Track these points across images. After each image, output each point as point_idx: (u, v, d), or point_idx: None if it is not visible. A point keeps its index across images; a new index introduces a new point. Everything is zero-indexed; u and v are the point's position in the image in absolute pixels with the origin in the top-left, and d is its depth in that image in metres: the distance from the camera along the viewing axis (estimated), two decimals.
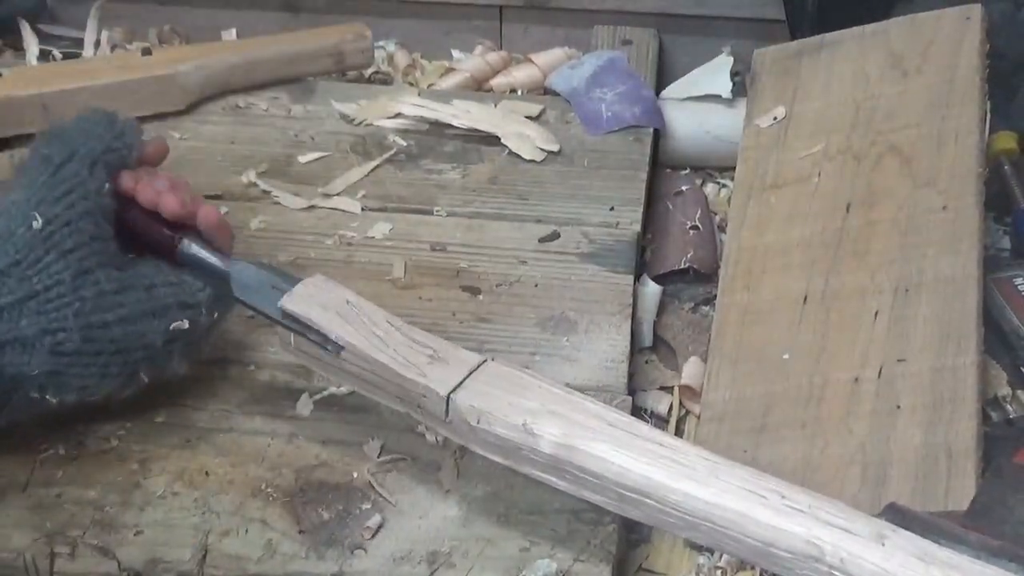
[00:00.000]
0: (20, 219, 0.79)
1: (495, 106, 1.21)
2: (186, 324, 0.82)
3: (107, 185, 0.82)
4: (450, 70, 1.33)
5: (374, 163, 1.14)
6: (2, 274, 0.78)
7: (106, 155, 0.83)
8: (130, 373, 0.82)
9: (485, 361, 0.78)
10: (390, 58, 1.37)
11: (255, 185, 1.11)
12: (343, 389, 0.88)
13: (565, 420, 0.73)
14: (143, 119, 1.17)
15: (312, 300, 0.80)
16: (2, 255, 0.78)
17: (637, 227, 1.08)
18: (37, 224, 0.79)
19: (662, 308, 1.06)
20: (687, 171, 1.23)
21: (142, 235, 0.85)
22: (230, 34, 1.38)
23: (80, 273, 0.79)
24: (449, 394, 0.76)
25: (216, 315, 0.85)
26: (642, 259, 1.11)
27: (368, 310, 0.80)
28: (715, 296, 1.04)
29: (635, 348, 1.01)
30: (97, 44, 1.34)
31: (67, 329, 0.78)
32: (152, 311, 0.81)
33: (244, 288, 0.83)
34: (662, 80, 1.30)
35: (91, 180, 0.81)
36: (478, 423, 0.74)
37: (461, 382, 0.76)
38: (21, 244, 0.78)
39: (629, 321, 0.98)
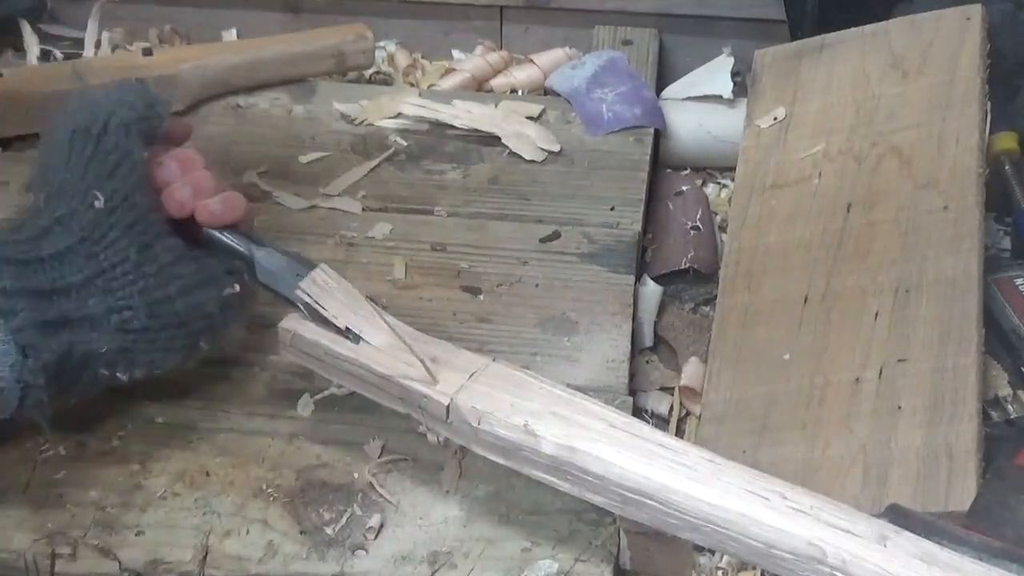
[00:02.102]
0: (80, 197, 0.78)
1: (495, 106, 1.21)
2: (237, 288, 0.83)
3: (144, 154, 0.81)
4: (450, 70, 1.33)
5: (374, 163, 1.14)
6: (71, 252, 0.77)
7: (139, 124, 0.81)
8: (192, 344, 0.82)
9: (487, 363, 0.78)
10: (390, 58, 1.37)
11: (256, 185, 1.11)
12: (344, 389, 0.88)
13: (566, 421, 0.73)
14: None
15: (326, 291, 0.81)
16: (67, 234, 0.78)
17: (638, 227, 1.08)
18: (99, 203, 0.78)
19: (663, 308, 1.07)
20: (687, 171, 1.23)
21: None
22: (230, 34, 1.38)
23: (143, 248, 0.79)
24: (451, 396, 0.76)
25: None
26: (643, 259, 1.11)
27: (373, 310, 0.81)
28: (716, 296, 1.04)
29: (636, 348, 1.01)
30: (97, 44, 1.34)
31: (133, 307, 0.78)
32: (205, 280, 0.82)
33: (268, 274, 0.83)
34: (662, 80, 1.30)
35: (134, 150, 0.80)
36: (479, 424, 0.74)
37: (463, 385, 0.76)
38: (85, 222, 0.78)
39: (630, 321, 0.98)
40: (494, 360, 0.79)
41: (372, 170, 1.13)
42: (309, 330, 0.80)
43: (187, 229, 0.83)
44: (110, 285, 0.78)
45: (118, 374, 0.80)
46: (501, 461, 0.75)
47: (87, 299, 0.78)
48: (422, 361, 0.77)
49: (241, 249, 0.83)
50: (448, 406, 0.76)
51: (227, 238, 0.84)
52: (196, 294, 0.81)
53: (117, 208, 0.78)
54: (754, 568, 0.85)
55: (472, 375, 0.77)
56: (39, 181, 0.81)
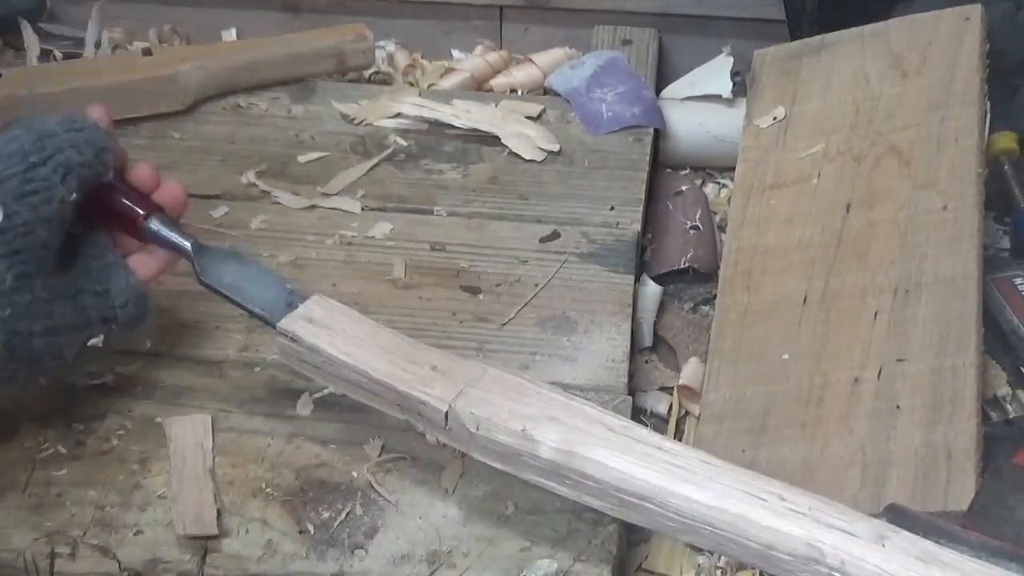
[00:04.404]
0: None
1: (495, 106, 1.21)
2: (101, 342, 0.81)
3: (74, 195, 0.79)
4: (450, 70, 1.33)
5: (373, 162, 1.14)
6: None
7: (82, 169, 0.79)
8: (33, 380, 0.80)
9: (484, 369, 0.78)
10: (390, 58, 1.36)
11: (255, 185, 1.11)
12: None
13: (564, 426, 0.73)
14: (143, 119, 1.17)
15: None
16: None
17: (637, 227, 1.08)
18: None
19: (662, 308, 1.07)
20: (687, 171, 1.23)
21: (111, 207, 0.84)
22: (230, 34, 1.38)
23: (21, 276, 0.76)
24: (449, 403, 0.75)
25: (128, 329, 0.84)
26: (642, 259, 1.11)
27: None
28: (715, 296, 1.04)
29: (635, 348, 1.01)
30: (97, 44, 1.34)
31: None
32: (74, 326, 0.80)
33: (211, 273, 0.83)
34: (662, 80, 1.30)
35: (61, 188, 0.78)
36: (477, 430, 0.74)
37: (461, 391, 0.76)
38: None
39: (629, 321, 0.98)
40: (492, 367, 0.79)
41: (371, 170, 1.14)
42: (307, 333, 0.80)
43: (135, 225, 0.84)
44: None
45: None
46: (499, 466, 0.75)
47: None
48: (421, 374, 0.76)
49: (181, 242, 0.84)
50: (446, 412, 0.76)
51: (164, 232, 0.84)
52: (60, 337, 0.79)
53: (10, 231, 0.75)
54: (753, 568, 0.85)
55: (470, 382, 0.77)
56: None
